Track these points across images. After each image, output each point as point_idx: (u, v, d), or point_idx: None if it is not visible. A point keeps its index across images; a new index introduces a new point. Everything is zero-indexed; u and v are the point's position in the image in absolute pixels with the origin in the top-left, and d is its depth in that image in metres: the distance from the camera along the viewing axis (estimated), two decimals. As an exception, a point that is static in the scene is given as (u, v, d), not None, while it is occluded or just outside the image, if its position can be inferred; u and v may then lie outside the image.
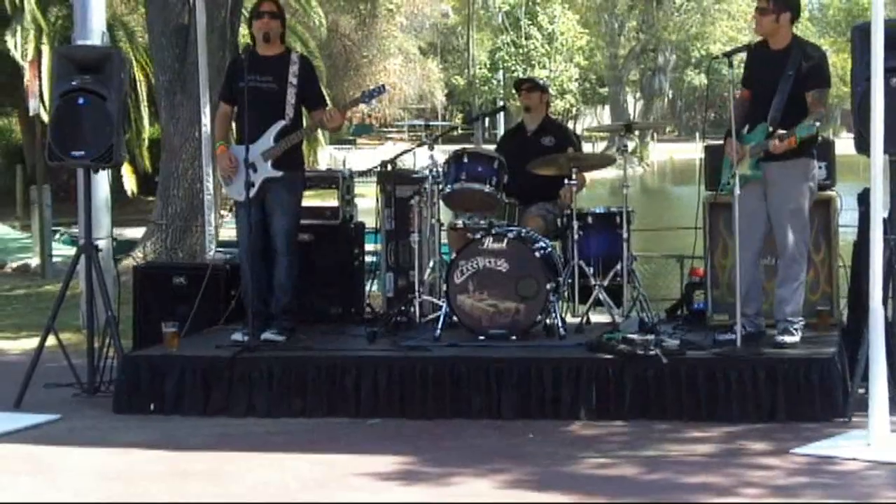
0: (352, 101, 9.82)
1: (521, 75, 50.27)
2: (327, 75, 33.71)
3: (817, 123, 8.11)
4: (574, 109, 67.43)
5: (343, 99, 36.97)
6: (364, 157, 39.45)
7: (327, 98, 25.54)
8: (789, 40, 8.33)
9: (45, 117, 15.73)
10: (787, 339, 8.17)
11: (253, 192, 8.76)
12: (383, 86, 10.07)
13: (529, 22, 62.22)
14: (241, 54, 9.28)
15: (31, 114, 19.61)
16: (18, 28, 26.99)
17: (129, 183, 27.22)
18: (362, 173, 12.03)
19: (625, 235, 9.17)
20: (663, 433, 7.52)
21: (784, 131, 8.04)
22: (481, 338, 8.67)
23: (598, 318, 9.39)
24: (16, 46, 26.77)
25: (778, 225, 8.27)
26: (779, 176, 8.22)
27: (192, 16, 12.70)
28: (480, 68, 62.99)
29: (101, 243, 9.43)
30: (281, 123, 8.88)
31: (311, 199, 10.11)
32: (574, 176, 9.31)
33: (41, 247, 19.10)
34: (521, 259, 8.74)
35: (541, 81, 10.47)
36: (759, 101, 8.09)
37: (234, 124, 9.27)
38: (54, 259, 18.71)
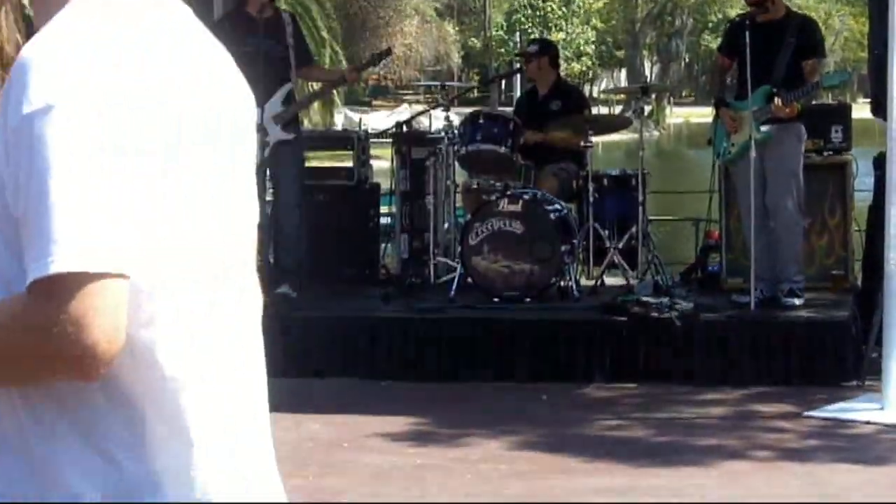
0: (364, 63, 9.83)
1: (537, 37, 50.23)
2: (343, 36, 33.66)
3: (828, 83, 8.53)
4: (590, 72, 67.25)
5: (358, 60, 36.93)
6: (380, 118, 39.40)
7: (342, 58, 25.43)
8: (784, 10, 8.42)
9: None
10: (796, 300, 8.23)
11: (265, 154, 8.81)
12: (389, 49, 10.10)
13: (547, -16, 62.02)
14: (232, 13, 9.16)
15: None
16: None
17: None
18: (378, 134, 12.00)
19: (640, 198, 9.15)
20: (677, 396, 7.52)
21: (796, 90, 8.13)
22: (496, 299, 8.66)
23: (612, 280, 9.38)
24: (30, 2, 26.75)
25: (775, 186, 8.30)
26: (776, 139, 8.27)
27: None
28: (497, 30, 62.79)
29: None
30: (289, 86, 8.90)
31: (326, 160, 10.11)
32: (589, 138, 9.27)
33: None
34: (536, 221, 8.72)
35: (532, 49, 10.28)
36: (755, 67, 8.09)
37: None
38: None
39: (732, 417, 7.06)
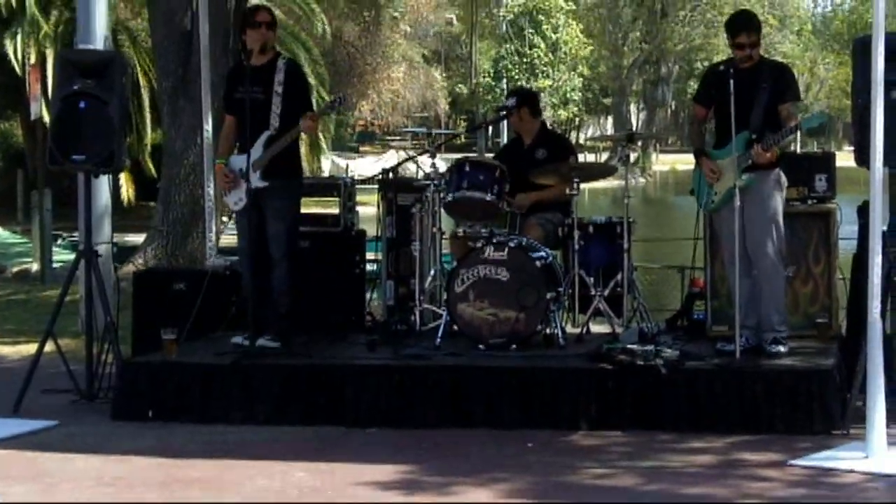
0: (318, 110, 9.82)
1: (524, 84, 50.35)
2: (331, 82, 33.74)
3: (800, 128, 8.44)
4: (577, 119, 67.50)
5: (346, 106, 37.03)
6: (367, 164, 39.50)
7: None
8: (759, 57, 8.50)
9: (48, 121, 15.72)
10: (781, 348, 8.25)
11: (244, 202, 8.79)
12: (343, 96, 10.12)
13: (533, 31, 62.28)
14: (237, 64, 9.27)
15: (32, 118, 19.62)
16: (20, 31, 26.98)
17: (126, 191, 27.21)
18: (364, 181, 12.03)
19: (625, 246, 9.17)
20: (663, 444, 7.51)
21: (773, 136, 8.19)
22: (481, 347, 8.67)
23: (598, 328, 9.38)
24: (17, 50, 26.75)
25: (756, 233, 8.34)
26: (756, 185, 8.32)
27: (196, 21, 12.72)
28: (484, 77, 63.06)
29: (101, 248, 9.43)
30: (266, 133, 8.84)
31: (312, 207, 10.11)
32: (575, 186, 9.28)
33: (41, 252, 19.11)
34: (522, 268, 8.74)
35: (511, 103, 10.17)
36: (737, 114, 8.15)
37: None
38: (55, 264, 18.71)
39: (718, 466, 7.05)
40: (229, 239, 11.38)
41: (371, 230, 10.43)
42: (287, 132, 8.88)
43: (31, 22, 26.95)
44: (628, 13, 66.58)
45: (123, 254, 15.08)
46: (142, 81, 26.35)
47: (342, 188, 10.15)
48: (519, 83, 55.16)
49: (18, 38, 26.90)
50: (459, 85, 64.91)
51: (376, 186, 10.45)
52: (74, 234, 18.28)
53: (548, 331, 8.85)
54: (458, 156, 10.23)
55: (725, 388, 7.78)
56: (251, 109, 8.71)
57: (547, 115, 48.31)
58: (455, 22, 63.38)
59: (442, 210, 9.43)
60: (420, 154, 10.38)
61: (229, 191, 8.99)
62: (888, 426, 6.99)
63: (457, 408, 8.04)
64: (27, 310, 14.32)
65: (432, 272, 9.55)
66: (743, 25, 8.51)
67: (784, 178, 8.48)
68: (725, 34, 8.76)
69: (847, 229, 9.14)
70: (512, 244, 8.86)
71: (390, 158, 36.12)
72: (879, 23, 6.98)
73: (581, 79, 64.97)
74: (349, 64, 43.09)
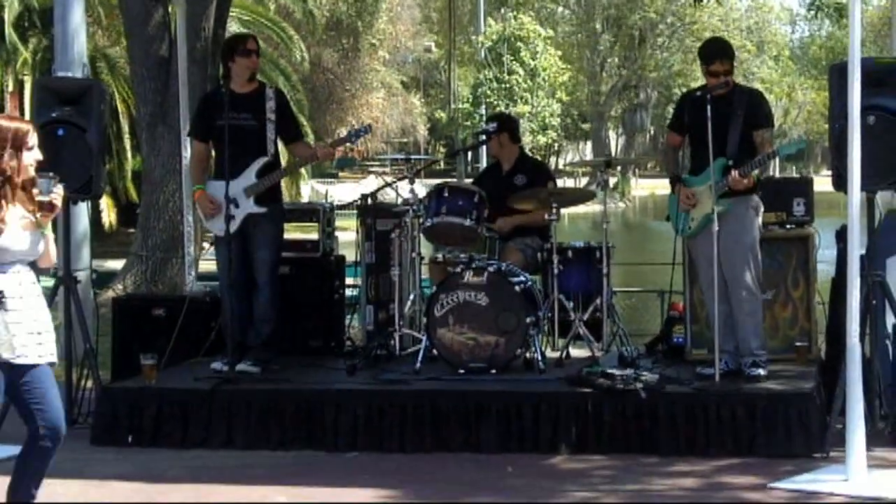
0: (340, 139, 9.90)
1: (503, 110, 50.42)
2: (309, 108, 33.75)
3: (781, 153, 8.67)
4: (556, 145, 67.58)
5: (325, 132, 37.03)
6: (347, 190, 39.45)
7: (309, 131, 25.46)
8: (733, 84, 8.55)
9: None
10: (761, 371, 8.25)
11: (235, 226, 8.80)
12: (369, 125, 10.15)
13: (512, 57, 62.39)
14: (214, 91, 9.32)
15: (11, 145, 19.54)
16: (-2, 59, 26.93)
17: (108, 216, 27.12)
18: (343, 206, 12.03)
19: (604, 270, 9.19)
20: (645, 467, 7.52)
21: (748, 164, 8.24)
22: (461, 371, 8.67)
23: (577, 352, 9.39)
24: (-6, 77, 26.68)
25: (733, 259, 8.35)
26: (732, 211, 8.34)
27: (174, 48, 12.73)
28: (463, 103, 63.08)
29: (81, 275, 9.42)
30: (263, 160, 8.94)
31: (291, 232, 10.11)
32: (554, 211, 9.30)
33: (21, 278, 19.02)
34: (501, 293, 8.75)
35: (491, 127, 10.23)
36: (713, 141, 8.16)
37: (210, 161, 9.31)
38: (34, 291, 18.63)
39: (701, 489, 7.06)
40: (209, 265, 11.35)
41: (350, 255, 10.43)
42: (278, 158, 9.03)
43: (10, 49, 26.89)
44: (606, 39, 66.78)
45: (103, 280, 15.03)
46: (121, 108, 26.27)
47: (321, 214, 10.16)
48: (498, 109, 55.22)
49: (-3, 64, 26.84)
50: (438, 111, 64.87)
51: (355, 212, 10.46)
52: (53, 261, 18.23)
53: (527, 355, 8.86)
54: (438, 181, 10.25)
55: (706, 412, 7.80)
56: (241, 136, 8.76)
57: (526, 140, 48.40)
58: (433, 49, 63.44)
59: (421, 235, 9.44)
60: (399, 180, 10.40)
61: (213, 216, 8.99)
62: (868, 449, 7.01)
63: (437, 432, 8.04)
64: (6, 336, 14.24)
65: (412, 297, 9.55)
66: (716, 54, 8.55)
67: (760, 204, 8.51)
68: (699, 62, 8.79)
69: (826, 253, 9.18)
70: (491, 269, 8.87)
71: (369, 184, 36.12)
72: (855, 48, 7.03)
73: (560, 104, 65.02)
74: (328, 91, 43.16)
